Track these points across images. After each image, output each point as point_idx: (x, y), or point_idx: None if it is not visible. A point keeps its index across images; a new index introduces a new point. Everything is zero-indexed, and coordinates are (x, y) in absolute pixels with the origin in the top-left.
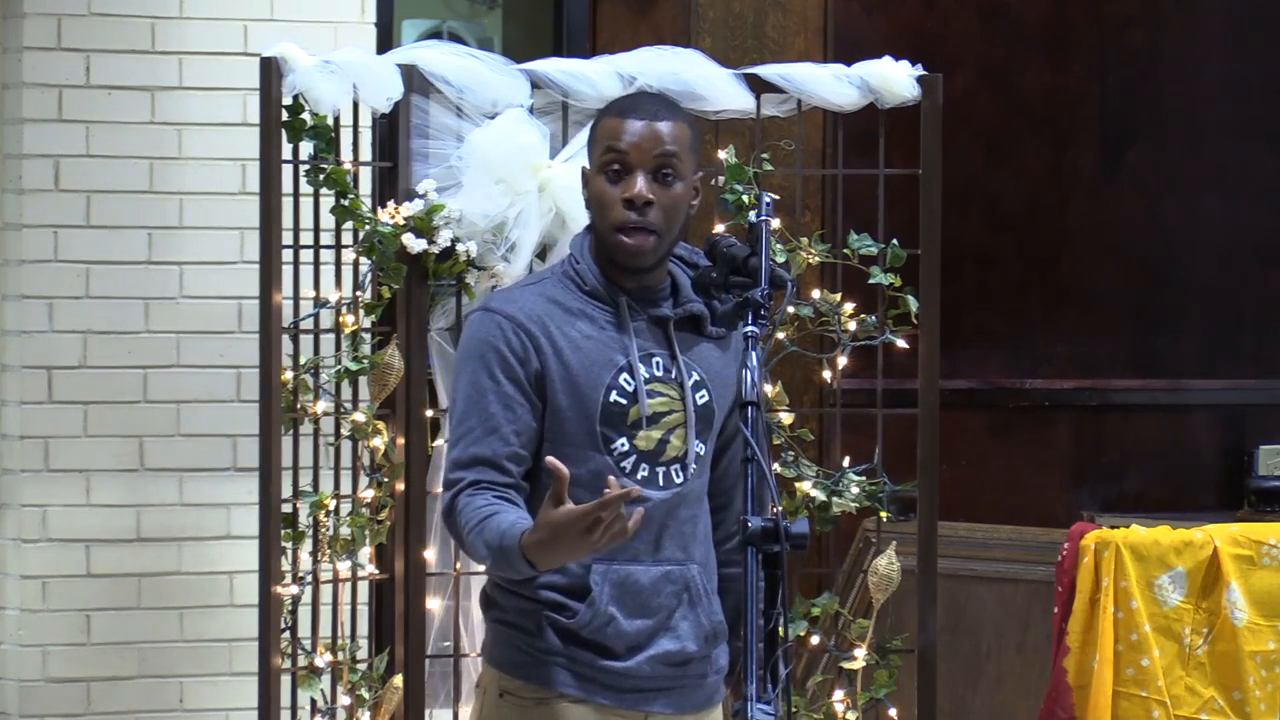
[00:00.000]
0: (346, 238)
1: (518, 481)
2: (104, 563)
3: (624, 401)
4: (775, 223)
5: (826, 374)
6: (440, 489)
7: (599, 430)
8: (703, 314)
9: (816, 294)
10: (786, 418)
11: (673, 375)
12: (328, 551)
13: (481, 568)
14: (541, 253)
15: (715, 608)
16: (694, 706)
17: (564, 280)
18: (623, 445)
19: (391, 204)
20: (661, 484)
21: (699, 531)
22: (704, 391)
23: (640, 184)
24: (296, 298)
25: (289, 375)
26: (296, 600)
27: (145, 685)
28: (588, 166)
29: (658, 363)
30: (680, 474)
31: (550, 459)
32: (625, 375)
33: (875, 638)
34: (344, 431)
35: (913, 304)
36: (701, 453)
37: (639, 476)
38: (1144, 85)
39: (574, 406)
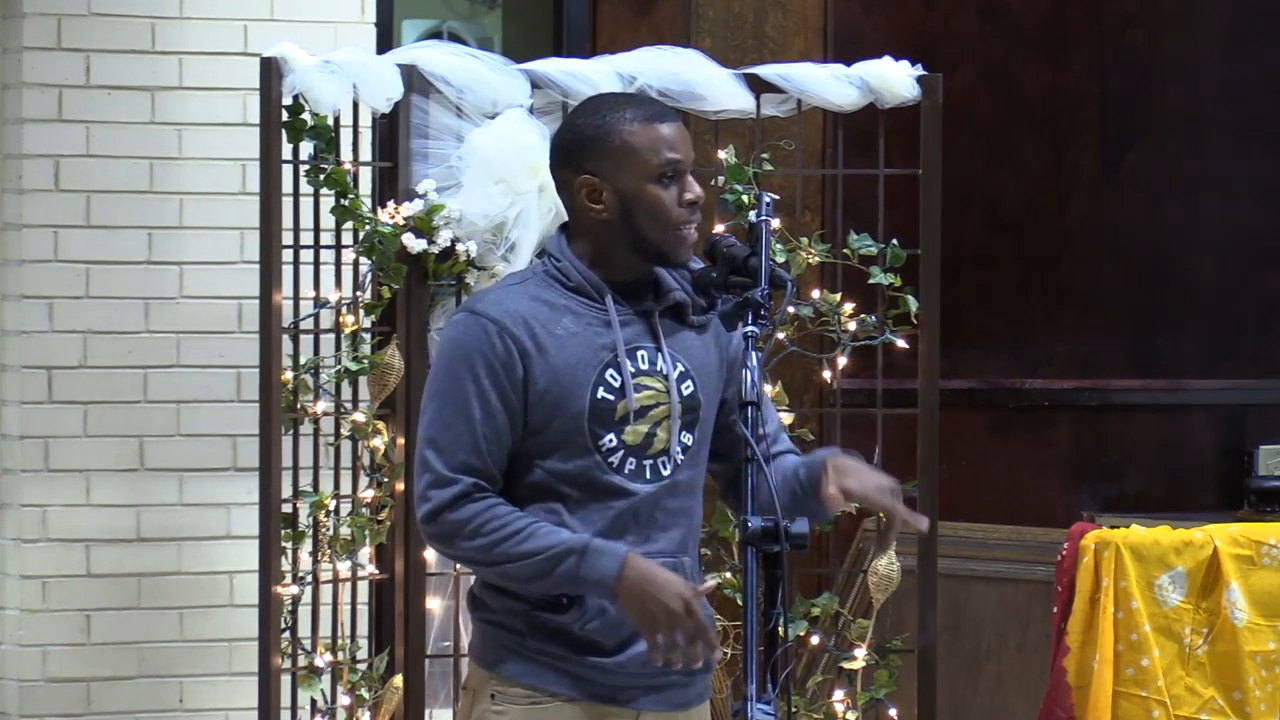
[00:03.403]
0: (346, 238)
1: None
2: (104, 563)
3: (611, 397)
4: (775, 223)
5: (826, 374)
6: (422, 488)
7: (588, 428)
8: (684, 302)
9: (816, 294)
10: (786, 418)
11: (658, 368)
12: (328, 551)
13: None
14: (541, 253)
15: (704, 601)
16: (684, 703)
17: (547, 278)
18: (611, 441)
19: (391, 204)
20: (648, 477)
21: (691, 523)
22: (689, 382)
23: (696, 185)
24: (296, 298)
25: (289, 375)
26: (296, 600)
27: (145, 685)
28: (598, 178)
29: (643, 356)
30: (667, 466)
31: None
32: (611, 371)
33: (875, 638)
34: (344, 431)
35: (913, 304)
36: (690, 443)
37: (626, 470)
38: (1144, 85)
39: (562, 405)
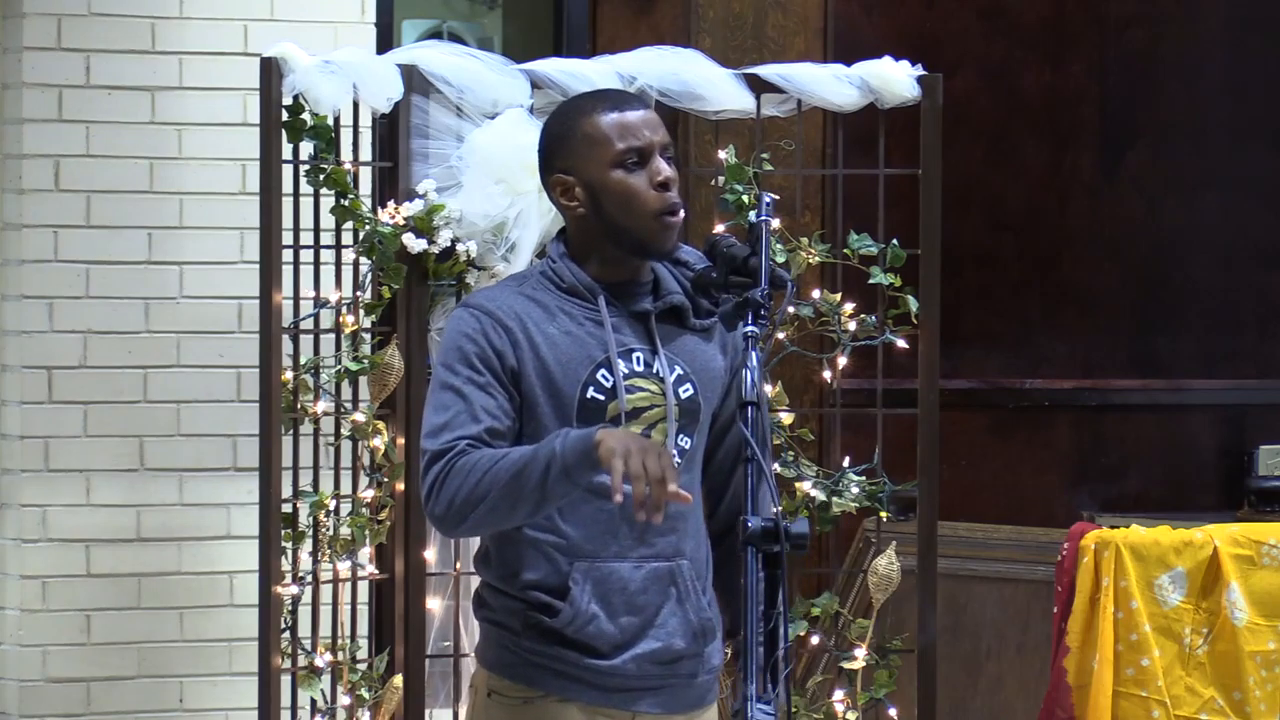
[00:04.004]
0: (346, 238)
1: None
2: (104, 563)
3: (601, 397)
4: (775, 223)
5: (826, 374)
6: (423, 470)
7: (576, 427)
8: (684, 305)
9: (816, 294)
10: (786, 418)
11: (654, 370)
12: (328, 551)
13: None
14: (541, 253)
15: (704, 604)
16: (684, 706)
17: (542, 280)
18: None
19: (391, 204)
20: None
21: (689, 526)
22: (688, 385)
23: (666, 167)
24: (296, 298)
25: (289, 375)
26: (296, 600)
27: (145, 685)
28: (570, 175)
29: (638, 358)
30: None
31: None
32: (603, 371)
33: (875, 638)
34: (344, 431)
35: (913, 304)
36: (687, 447)
37: None
38: (1144, 85)
39: (551, 403)
